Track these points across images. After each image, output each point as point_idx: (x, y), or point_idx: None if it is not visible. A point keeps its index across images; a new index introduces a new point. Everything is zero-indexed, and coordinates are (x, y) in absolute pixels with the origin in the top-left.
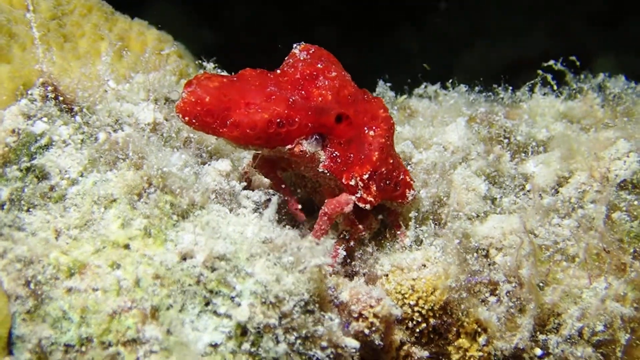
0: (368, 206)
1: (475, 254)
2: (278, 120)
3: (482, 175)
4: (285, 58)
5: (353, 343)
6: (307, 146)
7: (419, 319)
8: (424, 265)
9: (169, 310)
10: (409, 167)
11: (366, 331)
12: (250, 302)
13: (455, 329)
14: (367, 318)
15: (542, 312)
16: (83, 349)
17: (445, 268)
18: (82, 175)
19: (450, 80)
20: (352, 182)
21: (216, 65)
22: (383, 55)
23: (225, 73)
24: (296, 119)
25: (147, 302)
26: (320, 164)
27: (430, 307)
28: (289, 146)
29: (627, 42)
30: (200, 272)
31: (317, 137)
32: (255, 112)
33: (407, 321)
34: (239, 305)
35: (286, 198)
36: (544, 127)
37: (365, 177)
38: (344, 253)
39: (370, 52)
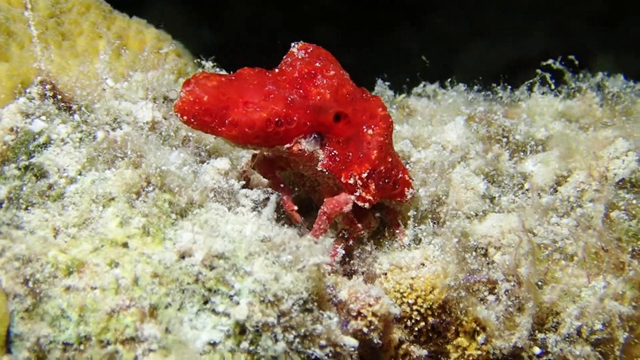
0: (367, 205)
1: (474, 253)
2: (276, 119)
3: (481, 174)
4: (284, 57)
5: (352, 342)
6: (305, 145)
7: (418, 318)
8: (423, 264)
9: (167, 309)
10: (407, 166)
11: (365, 330)
12: (248, 301)
13: (454, 327)
14: (365, 317)
15: (541, 310)
16: (81, 347)
17: (444, 267)
18: (80, 174)
19: (449, 80)
20: (351, 181)
21: (215, 64)
22: (383, 55)
23: (224, 72)
24: (295, 118)
25: (146, 301)
26: (319, 163)
27: (429, 306)
28: (288, 145)
29: (627, 42)
30: (198, 270)
31: (316, 136)
32: (254, 111)
33: (405, 320)
34: (238, 303)
35: (284, 197)
36: (542, 126)
37: (364, 175)
38: (343, 252)
39: (370, 52)
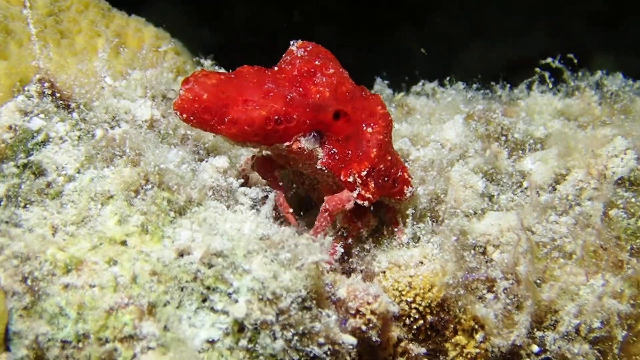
0: (366, 203)
1: (472, 251)
2: (276, 117)
3: (480, 172)
4: (283, 55)
5: (350, 340)
6: (305, 143)
7: (416, 316)
8: (422, 262)
9: (166, 307)
10: (406, 165)
11: (363, 328)
12: (247, 299)
13: (452, 325)
14: (364, 315)
15: (539, 309)
16: (80, 345)
17: (442, 265)
18: (79, 172)
19: (448, 78)
20: (350, 179)
21: (214, 62)
22: (383, 55)
23: (223, 71)
24: (294, 116)
25: (144, 299)
26: (318, 161)
27: (427, 304)
28: (287, 143)
29: (627, 42)
30: (197, 268)
31: (315, 134)
32: (253, 109)
33: (404, 318)
34: (236, 301)
35: (280, 199)
36: (541, 124)
37: (364, 173)
38: (342, 250)
39: (370, 52)
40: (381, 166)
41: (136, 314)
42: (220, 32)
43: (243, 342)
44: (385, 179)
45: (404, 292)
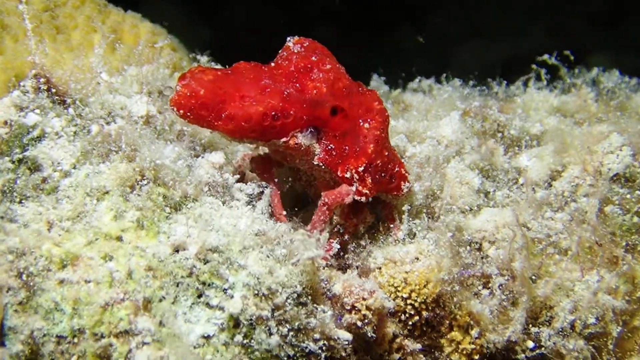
0: (363, 198)
1: (468, 247)
2: (273, 113)
3: (476, 168)
4: (279, 51)
5: (345, 335)
6: (302, 139)
7: (412, 312)
8: (417, 259)
9: (161, 302)
10: (402, 161)
11: (359, 323)
12: (242, 294)
13: (447, 321)
14: (359, 310)
15: (535, 305)
16: (75, 340)
17: (438, 261)
18: (74, 167)
19: (445, 75)
20: (347, 175)
21: (210, 58)
22: (383, 55)
23: (219, 67)
24: (291, 112)
25: (140, 294)
26: (315, 157)
27: (423, 300)
28: (284, 139)
29: (627, 42)
30: (192, 264)
31: (312, 129)
32: (250, 105)
33: (399, 314)
34: (232, 297)
35: (274, 200)
36: (537, 121)
37: (361, 169)
38: (338, 246)
39: (370, 51)
40: (378, 162)
41: (132, 310)
42: (220, 31)
43: (238, 338)
44: (382, 174)
45: (399, 288)
